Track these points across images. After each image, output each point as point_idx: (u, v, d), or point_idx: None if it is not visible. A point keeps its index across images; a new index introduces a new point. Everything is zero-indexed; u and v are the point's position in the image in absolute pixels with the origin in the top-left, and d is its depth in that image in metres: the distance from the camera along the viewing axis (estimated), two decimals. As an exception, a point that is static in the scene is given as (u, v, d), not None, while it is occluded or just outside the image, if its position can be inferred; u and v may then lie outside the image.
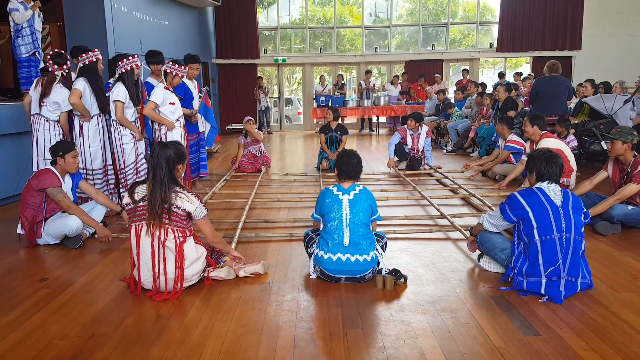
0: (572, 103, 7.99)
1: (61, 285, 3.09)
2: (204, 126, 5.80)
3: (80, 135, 4.70)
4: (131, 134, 4.66)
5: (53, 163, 3.87)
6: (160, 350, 2.29)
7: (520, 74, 11.68)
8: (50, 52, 4.70)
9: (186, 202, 2.85)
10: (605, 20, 12.96)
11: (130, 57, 4.62)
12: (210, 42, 13.27)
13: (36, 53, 6.29)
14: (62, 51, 4.76)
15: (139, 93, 4.77)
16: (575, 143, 6.48)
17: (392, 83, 13.04)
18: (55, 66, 4.61)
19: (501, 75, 11.94)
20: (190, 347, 2.31)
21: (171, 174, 2.85)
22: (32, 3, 6.19)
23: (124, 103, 4.54)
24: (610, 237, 3.88)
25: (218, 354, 2.25)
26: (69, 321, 2.59)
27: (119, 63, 4.61)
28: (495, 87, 8.72)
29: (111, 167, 4.90)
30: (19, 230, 3.88)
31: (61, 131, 4.72)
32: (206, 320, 2.57)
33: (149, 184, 2.82)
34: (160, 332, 2.46)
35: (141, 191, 2.86)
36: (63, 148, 3.86)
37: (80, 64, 4.68)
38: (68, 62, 4.71)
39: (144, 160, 4.80)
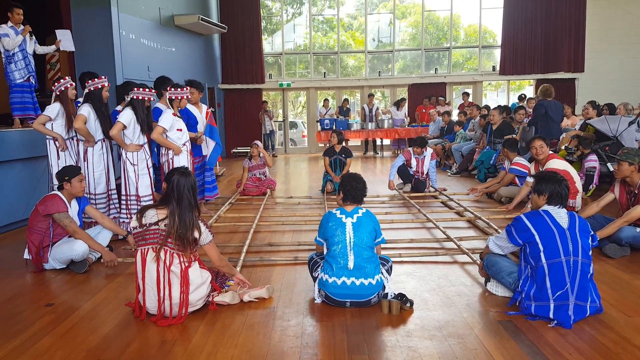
0: (577, 125, 8.00)
1: (67, 310, 3.09)
2: (207, 150, 5.82)
3: (84, 160, 4.76)
4: (122, 151, 4.66)
5: (60, 188, 3.91)
6: (164, 377, 2.27)
7: (523, 96, 11.73)
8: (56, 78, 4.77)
9: (193, 227, 2.87)
10: (607, 42, 13.08)
11: (145, 89, 4.71)
12: (216, 68, 13.51)
13: (30, 78, 6.17)
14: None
15: (150, 121, 4.82)
16: (592, 164, 6.32)
17: (397, 106, 13.10)
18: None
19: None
20: (194, 374, 2.29)
21: (195, 201, 2.91)
22: (21, 27, 6.06)
23: (125, 126, 4.59)
24: (619, 260, 3.84)
25: (223, 380, 2.23)
26: (74, 347, 2.58)
27: (134, 90, 4.70)
28: (514, 110, 8.68)
29: (114, 191, 4.92)
30: (26, 255, 3.90)
31: (72, 151, 4.79)
32: (210, 346, 2.55)
33: (173, 211, 2.84)
34: (164, 357, 2.44)
35: (150, 215, 2.88)
36: (69, 173, 3.90)
37: (87, 90, 4.76)
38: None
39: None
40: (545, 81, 13.10)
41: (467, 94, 12.62)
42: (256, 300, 3.12)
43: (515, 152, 6.36)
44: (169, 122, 4.80)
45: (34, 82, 6.28)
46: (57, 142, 4.72)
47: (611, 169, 6.08)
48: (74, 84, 4.85)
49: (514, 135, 7.59)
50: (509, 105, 10.61)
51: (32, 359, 2.47)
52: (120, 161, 4.76)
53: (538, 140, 5.30)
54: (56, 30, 6.43)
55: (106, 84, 4.80)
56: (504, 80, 14.26)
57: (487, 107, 10.54)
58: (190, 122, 5.44)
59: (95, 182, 4.78)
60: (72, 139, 4.84)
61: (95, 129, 4.75)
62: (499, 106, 8.40)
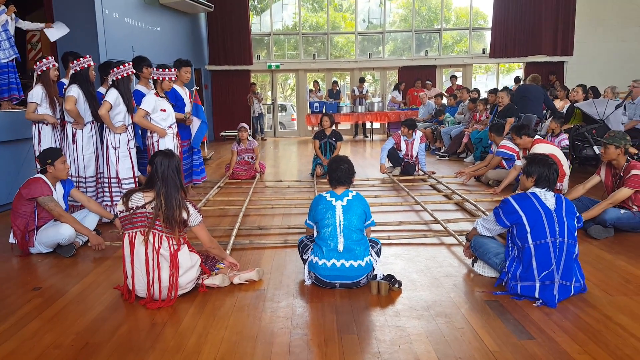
0: (564, 108, 8.06)
1: (54, 294, 3.06)
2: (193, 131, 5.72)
3: (73, 143, 4.68)
4: (114, 135, 4.58)
5: (43, 172, 3.84)
6: (154, 358, 2.28)
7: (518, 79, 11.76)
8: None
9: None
10: (597, 25, 13.09)
11: (122, 65, 4.58)
12: (203, 48, 13.28)
13: (16, 59, 6.01)
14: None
15: (130, 99, 4.72)
16: (566, 142, 6.63)
17: (397, 90, 13.06)
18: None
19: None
20: (185, 355, 2.30)
21: (181, 182, 2.89)
22: (3, 7, 5.84)
23: (112, 106, 4.49)
24: (603, 241, 3.91)
25: (213, 361, 2.24)
26: (62, 330, 2.57)
27: (113, 70, 4.57)
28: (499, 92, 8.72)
29: (102, 174, 4.85)
30: (11, 240, 3.85)
31: (55, 134, 4.69)
32: (201, 328, 2.56)
33: (159, 192, 2.82)
34: (154, 340, 2.45)
35: (136, 199, 2.85)
36: (51, 155, 3.82)
37: (72, 71, 4.65)
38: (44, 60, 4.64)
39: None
40: (534, 64, 13.17)
41: (455, 77, 12.65)
42: (246, 282, 3.12)
43: (502, 136, 6.42)
44: (152, 104, 4.70)
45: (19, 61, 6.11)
46: (45, 122, 4.59)
47: (597, 151, 6.14)
48: (56, 64, 4.72)
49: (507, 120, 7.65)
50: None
51: (21, 342, 2.46)
52: (102, 144, 4.69)
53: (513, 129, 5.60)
54: (57, 21, 6.34)
55: (92, 63, 4.69)
56: (494, 63, 14.25)
57: (476, 90, 10.54)
58: (178, 103, 5.34)
59: (85, 165, 4.71)
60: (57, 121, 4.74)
61: (84, 110, 4.65)
62: (505, 88, 8.43)
